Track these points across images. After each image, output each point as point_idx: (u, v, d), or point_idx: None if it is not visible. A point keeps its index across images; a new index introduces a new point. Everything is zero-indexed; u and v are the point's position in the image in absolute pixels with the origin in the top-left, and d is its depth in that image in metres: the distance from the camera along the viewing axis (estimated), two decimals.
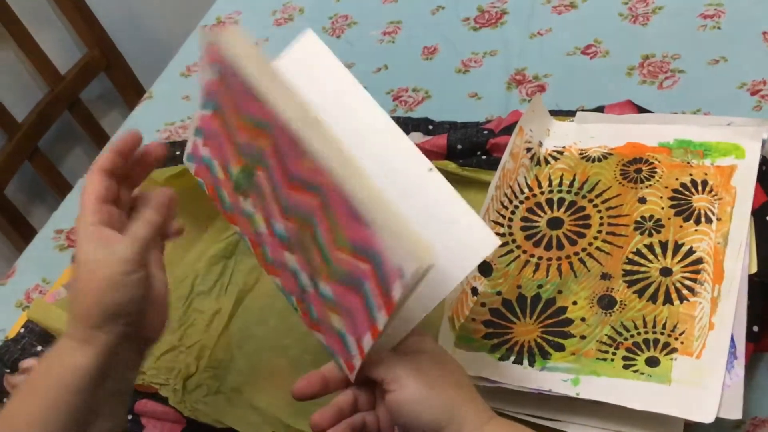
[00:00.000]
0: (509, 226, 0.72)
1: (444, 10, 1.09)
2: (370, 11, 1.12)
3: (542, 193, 0.73)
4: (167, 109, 1.08)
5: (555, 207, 0.71)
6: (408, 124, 0.90)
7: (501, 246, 0.70)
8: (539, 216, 0.71)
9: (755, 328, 0.62)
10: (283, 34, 1.14)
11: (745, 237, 0.64)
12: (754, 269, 0.63)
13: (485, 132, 0.84)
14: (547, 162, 0.75)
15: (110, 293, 0.50)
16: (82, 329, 0.51)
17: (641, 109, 0.84)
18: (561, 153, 0.76)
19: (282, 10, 1.18)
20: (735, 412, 0.55)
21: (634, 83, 0.90)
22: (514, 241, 0.70)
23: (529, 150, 0.75)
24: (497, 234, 0.71)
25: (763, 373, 0.63)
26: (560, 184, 0.73)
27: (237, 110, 0.55)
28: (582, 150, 0.75)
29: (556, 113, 0.82)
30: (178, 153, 0.97)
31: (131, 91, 1.63)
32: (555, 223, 0.70)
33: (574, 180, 0.73)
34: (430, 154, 0.83)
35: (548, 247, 0.69)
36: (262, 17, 1.17)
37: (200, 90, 0.59)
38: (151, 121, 1.07)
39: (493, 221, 0.72)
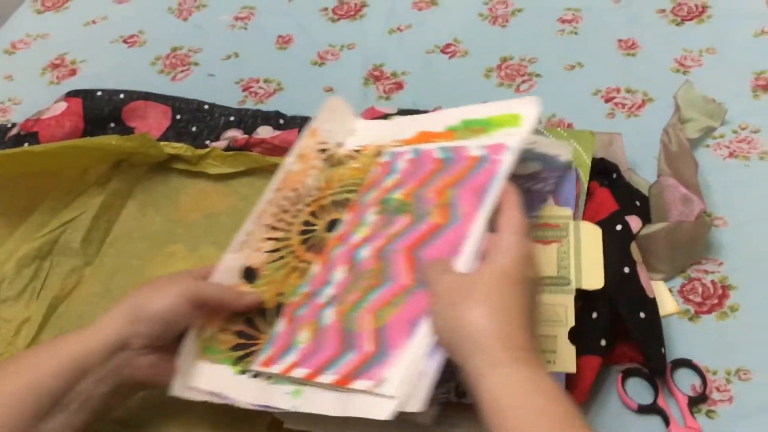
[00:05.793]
0: (288, 230, 0.66)
1: None
2: None
3: (332, 194, 0.68)
4: None
5: (339, 208, 0.66)
6: (257, 118, 0.84)
7: (273, 251, 0.65)
8: (320, 219, 0.66)
9: (603, 342, 0.60)
10: (122, 12, 1.05)
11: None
12: (601, 283, 0.61)
13: None
14: (344, 163, 0.71)
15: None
16: None
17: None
18: (358, 152, 0.71)
19: None
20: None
21: (492, 85, 0.88)
22: (288, 246, 0.65)
23: (324, 151, 0.71)
24: (273, 239, 0.66)
25: (611, 386, 0.61)
26: (350, 184, 0.68)
27: None
28: (380, 146, 0.70)
29: (408, 112, 0.78)
30: None
31: None
32: (333, 226, 0.65)
33: (363, 180, 0.68)
34: (280, 150, 0.77)
35: (317, 251, 0.64)
36: None
37: None
38: None
39: (272, 226, 0.66)
